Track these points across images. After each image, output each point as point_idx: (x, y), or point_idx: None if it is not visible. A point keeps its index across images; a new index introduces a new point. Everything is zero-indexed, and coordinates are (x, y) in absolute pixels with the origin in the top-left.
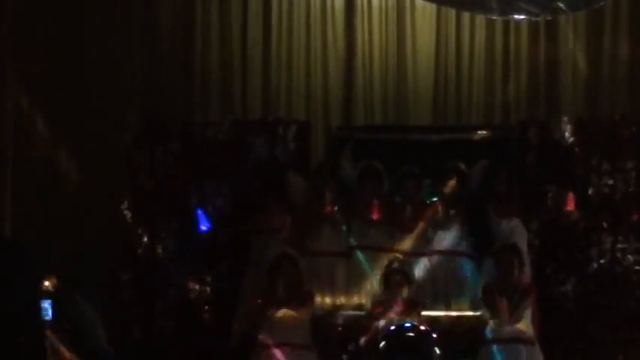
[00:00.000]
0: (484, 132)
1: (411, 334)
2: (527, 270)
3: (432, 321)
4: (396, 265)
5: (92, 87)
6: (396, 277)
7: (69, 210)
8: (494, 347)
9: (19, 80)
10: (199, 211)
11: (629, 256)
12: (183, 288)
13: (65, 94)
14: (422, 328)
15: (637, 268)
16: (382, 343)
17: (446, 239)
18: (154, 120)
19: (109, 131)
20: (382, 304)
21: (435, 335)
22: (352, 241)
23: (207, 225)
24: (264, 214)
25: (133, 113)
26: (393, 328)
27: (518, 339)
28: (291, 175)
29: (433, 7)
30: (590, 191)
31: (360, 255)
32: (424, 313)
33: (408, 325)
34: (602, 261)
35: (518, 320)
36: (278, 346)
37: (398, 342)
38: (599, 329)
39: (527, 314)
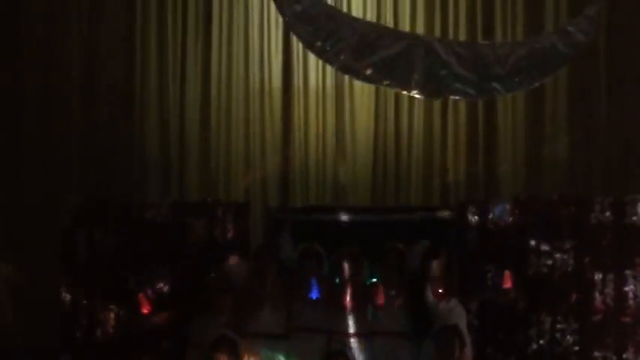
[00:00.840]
0: (423, 213)
1: None
2: (468, 351)
3: None
4: (336, 346)
5: (31, 167)
6: None
7: (4, 293)
8: None
9: None
10: (139, 294)
11: (568, 336)
12: None
13: (1, 174)
14: None
15: (576, 348)
16: None
17: (386, 320)
18: (95, 199)
19: (47, 210)
20: None
21: None
22: (291, 323)
23: (148, 308)
24: (205, 295)
25: (73, 192)
26: None
27: None
28: (231, 256)
29: (372, 87)
30: (529, 271)
31: (299, 336)
32: None
33: None
34: (541, 341)
35: None
36: None
37: None
38: None
39: None
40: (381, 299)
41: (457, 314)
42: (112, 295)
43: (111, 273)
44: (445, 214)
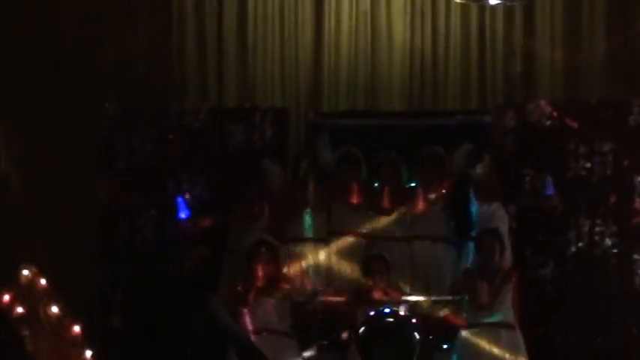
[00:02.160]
0: (461, 116)
1: (391, 319)
2: (508, 254)
3: (412, 306)
4: (375, 251)
5: (68, 75)
6: (376, 264)
7: (46, 199)
8: (474, 332)
9: None
10: (178, 199)
11: (607, 239)
12: (163, 275)
13: (41, 82)
14: (401, 313)
15: (614, 251)
16: (361, 329)
17: (425, 224)
18: (131, 107)
19: (86, 119)
20: (362, 289)
21: (414, 320)
22: (331, 227)
23: (186, 213)
24: (243, 201)
25: (110, 101)
26: (372, 314)
27: (498, 323)
28: (267, 162)
29: None
30: (568, 175)
31: (339, 240)
32: (404, 298)
33: (387, 310)
34: (580, 244)
35: (499, 305)
36: (257, 332)
37: (377, 328)
38: (578, 311)
39: (508, 298)
40: (420, 203)
41: (499, 218)
42: (151, 201)
43: (149, 179)
44: (483, 117)
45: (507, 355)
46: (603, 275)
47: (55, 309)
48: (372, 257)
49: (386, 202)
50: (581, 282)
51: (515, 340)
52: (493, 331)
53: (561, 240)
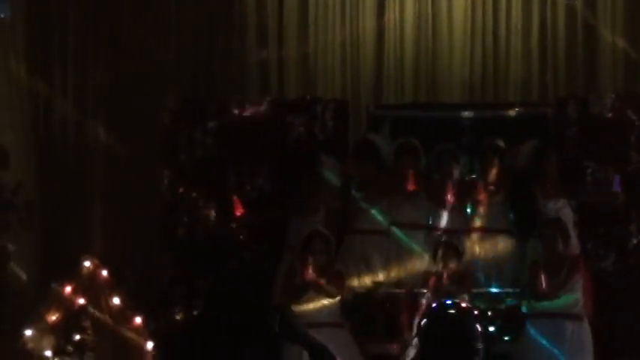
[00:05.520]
0: (522, 109)
1: (452, 311)
2: (574, 242)
3: (473, 298)
4: (445, 238)
5: (131, 66)
6: (446, 250)
7: (108, 190)
8: (538, 323)
9: (58, 59)
10: (238, 194)
11: None
12: (223, 268)
13: (103, 74)
14: (463, 305)
15: None
16: (423, 321)
17: (485, 216)
18: (192, 98)
19: (148, 110)
20: (432, 277)
21: (476, 312)
22: (390, 218)
23: (245, 208)
24: (302, 195)
25: (171, 92)
26: (434, 305)
27: (563, 314)
28: (323, 156)
29: None
30: (629, 167)
31: (398, 232)
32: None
33: (449, 302)
34: None
35: (566, 294)
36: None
37: (439, 319)
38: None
39: (577, 287)
40: (479, 195)
41: (565, 214)
42: (213, 193)
43: (211, 171)
44: (545, 110)
45: (569, 350)
46: None
47: (116, 300)
48: (441, 244)
49: (446, 194)
50: None
51: (581, 333)
52: (558, 322)
53: (623, 232)
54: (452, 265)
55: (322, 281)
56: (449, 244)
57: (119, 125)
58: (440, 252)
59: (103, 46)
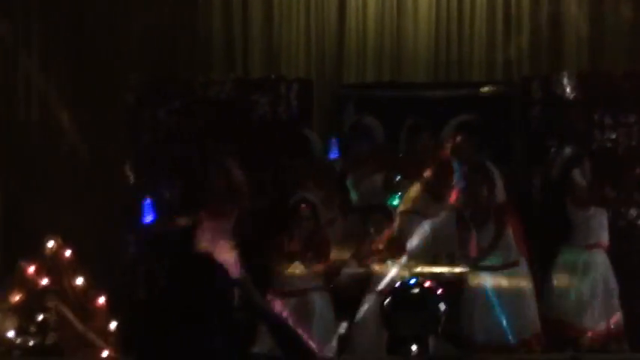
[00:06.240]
0: (486, 88)
1: (416, 290)
2: (500, 192)
3: (436, 277)
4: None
5: (93, 46)
6: (378, 215)
7: (71, 170)
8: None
9: (21, 41)
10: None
11: (631, 210)
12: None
13: (66, 54)
14: (427, 284)
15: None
16: (386, 300)
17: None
18: (156, 79)
19: (111, 91)
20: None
21: (440, 291)
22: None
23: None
24: (289, 174)
25: (134, 73)
26: (397, 284)
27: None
28: (309, 131)
29: None
30: (592, 146)
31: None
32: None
33: (412, 281)
34: None
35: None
36: (289, 294)
37: (402, 298)
38: None
39: (509, 242)
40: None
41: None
42: (176, 173)
43: (175, 150)
44: (508, 88)
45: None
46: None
47: (79, 280)
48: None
49: (422, 169)
50: None
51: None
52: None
53: None
54: (384, 230)
55: (309, 253)
56: (381, 208)
57: (83, 104)
58: (372, 217)
59: (66, 27)
